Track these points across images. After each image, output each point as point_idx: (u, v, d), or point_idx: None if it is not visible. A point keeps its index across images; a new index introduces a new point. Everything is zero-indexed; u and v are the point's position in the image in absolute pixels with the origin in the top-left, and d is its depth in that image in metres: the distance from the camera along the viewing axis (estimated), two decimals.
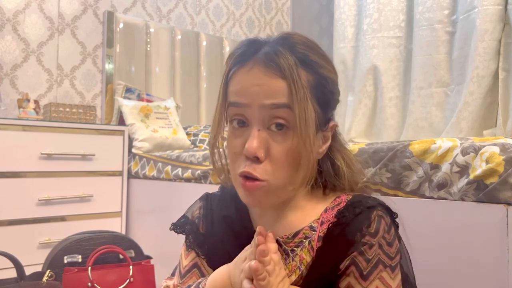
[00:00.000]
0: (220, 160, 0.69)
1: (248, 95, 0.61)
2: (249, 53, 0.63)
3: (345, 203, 0.66)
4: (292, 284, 0.63)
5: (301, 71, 0.61)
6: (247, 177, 0.61)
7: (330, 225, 0.63)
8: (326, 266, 0.61)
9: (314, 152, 0.63)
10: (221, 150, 0.68)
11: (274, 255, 0.59)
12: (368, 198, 0.66)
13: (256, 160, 0.60)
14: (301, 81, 0.60)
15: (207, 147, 2.45)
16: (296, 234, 0.65)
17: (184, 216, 0.76)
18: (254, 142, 0.60)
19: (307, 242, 0.64)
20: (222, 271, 0.65)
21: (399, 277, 0.62)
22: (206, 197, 0.77)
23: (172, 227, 0.75)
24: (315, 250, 0.63)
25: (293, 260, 0.64)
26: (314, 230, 0.65)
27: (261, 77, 0.61)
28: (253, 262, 0.56)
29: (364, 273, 0.60)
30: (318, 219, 0.66)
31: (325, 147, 0.66)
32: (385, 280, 0.60)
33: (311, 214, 0.67)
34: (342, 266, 0.61)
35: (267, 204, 0.64)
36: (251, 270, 0.56)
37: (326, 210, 0.66)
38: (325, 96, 0.64)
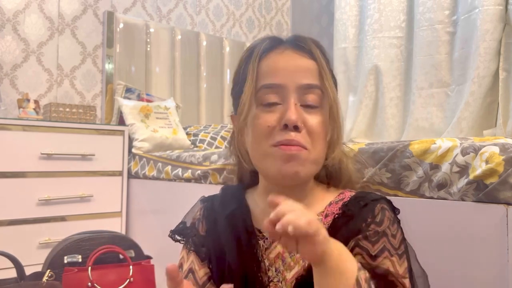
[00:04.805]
0: (242, 146, 0.71)
1: (284, 74, 0.64)
2: (275, 42, 0.68)
3: (349, 198, 0.67)
4: (295, 275, 0.63)
5: (324, 59, 0.68)
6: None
7: (336, 216, 0.65)
8: None
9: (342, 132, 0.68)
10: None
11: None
12: (371, 193, 0.68)
13: (295, 130, 0.62)
14: (326, 65, 0.67)
15: (208, 147, 2.45)
16: None
17: (182, 222, 0.76)
18: (294, 112, 0.62)
19: None
20: None
21: (405, 264, 0.62)
22: (206, 199, 0.77)
23: (170, 234, 0.75)
24: None
25: (297, 252, 0.65)
26: None
27: (294, 56, 0.66)
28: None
29: (372, 254, 0.60)
30: (323, 211, 0.67)
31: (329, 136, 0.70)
32: (395, 264, 0.60)
33: (316, 207, 0.68)
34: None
35: (301, 175, 0.63)
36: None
37: (330, 204, 0.68)
38: (335, 84, 0.70)
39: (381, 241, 0.61)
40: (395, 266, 0.60)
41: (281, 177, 0.65)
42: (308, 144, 0.63)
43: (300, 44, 0.66)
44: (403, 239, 0.64)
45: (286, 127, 0.62)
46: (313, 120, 0.64)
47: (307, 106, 0.64)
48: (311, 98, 0.64)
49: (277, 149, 0.63)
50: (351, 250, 0.61)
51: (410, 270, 0.64)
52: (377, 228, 0.61)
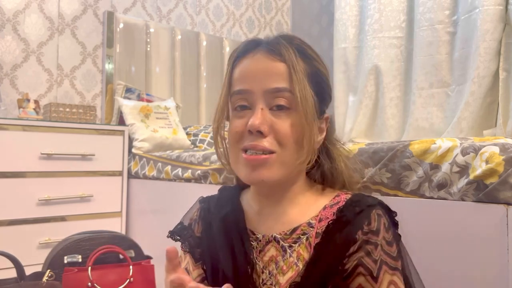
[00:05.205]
0: (223, 149, 0.71)
1: (252, 80, 0.64)
2: (251, 45, 0.68)
3: (344, 202, 0.66)
4: (289, 280, 0.63)
5: (299, 59, 0.65)
6: (251, 153, 0.63)
7: (330, 222, 0.64)
8: (325, 264, 0.61)
9: (315, 134, 0.66)
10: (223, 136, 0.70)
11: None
12: (367, 197, 0.67)
13: (260, 134, 0.62)
14: (299, 66, 0.64)
15: (208, 147, 2.45)
16: (294, 230, 0.66)
17: (180, 223, 0.77)
18: (257, 117, 0.62)
19: (304, 238, 0.65)
20: None
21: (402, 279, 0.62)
22: (204, 200, 0.78)
23: (169, 235, 0.76)
24: (312, 247, 0.63)
25: (290, 256, 0.65)
26: (312, 227, 0.65)
27: (263, 60, 0.65)
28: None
29: (374, 274, 0.60)
30: (317, 216, 0.66)
31: (321, 138, 0.69)
32: (397, 284, 0.60)
33: (310, 210, 0.67)
34: (349, 267, 0.61)
35: (270, 180, 0.63)
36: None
37: (325, 208, 0.67)
38: (320, 86, 0.67)
39: (379, 256, 0.60)
40: (399, 286, 0.60)
41: (250, 183, 0.66)
42: (275, 147, 0.63)
43: (271, 47, 0.65)
44: (400, 250, 0.64)
45: (251, 132, 0.63)
46: (282, 123, 0.63)
47: (278, 110, 0.64)
48: (281, 101, 0.63)
49: (243, 157, 0.64)
50: (354, 268, 0.60)
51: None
52: (376, 239, 0.61)
